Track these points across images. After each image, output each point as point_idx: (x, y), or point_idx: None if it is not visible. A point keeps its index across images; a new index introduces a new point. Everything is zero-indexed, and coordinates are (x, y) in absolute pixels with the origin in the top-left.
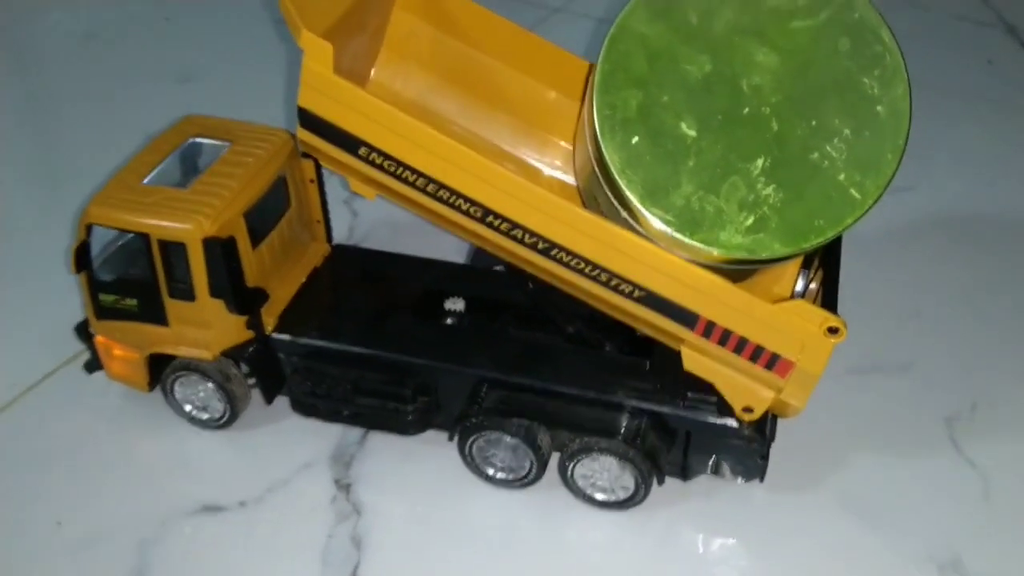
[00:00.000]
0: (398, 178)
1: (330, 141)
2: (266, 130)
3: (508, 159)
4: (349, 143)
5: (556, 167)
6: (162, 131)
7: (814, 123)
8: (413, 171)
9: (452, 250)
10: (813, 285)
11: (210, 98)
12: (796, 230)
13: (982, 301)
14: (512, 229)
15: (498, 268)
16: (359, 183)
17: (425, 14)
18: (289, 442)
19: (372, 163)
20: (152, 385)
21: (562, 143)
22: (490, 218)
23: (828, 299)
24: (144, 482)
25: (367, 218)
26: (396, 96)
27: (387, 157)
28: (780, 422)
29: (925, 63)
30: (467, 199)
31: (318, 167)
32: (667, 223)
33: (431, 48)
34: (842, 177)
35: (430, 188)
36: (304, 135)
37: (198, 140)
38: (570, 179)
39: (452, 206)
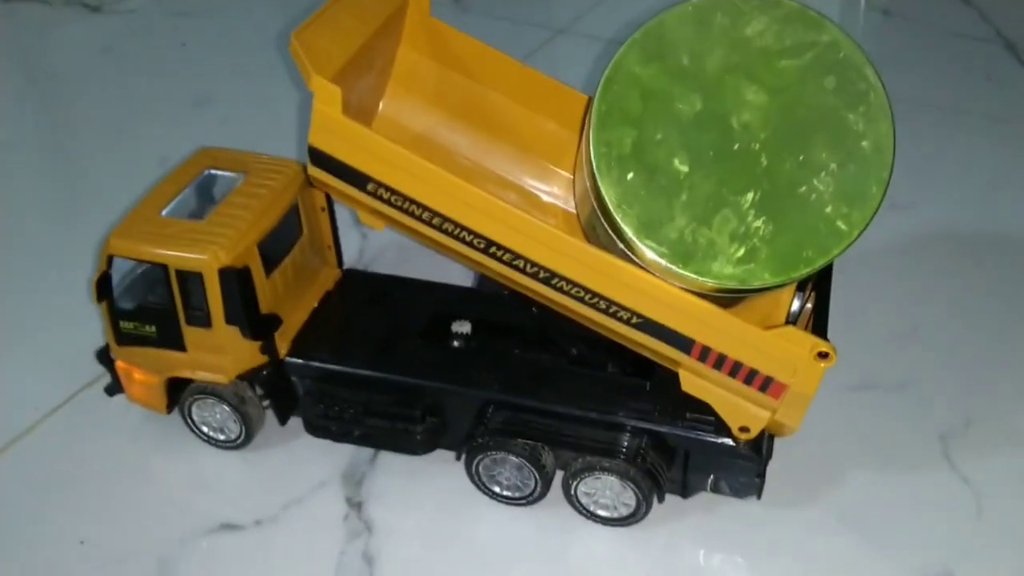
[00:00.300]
0: (405, 212)
1: (340, 177)
2: (278, 161)
3: (511, 188)
4: (358, 179)
5: (557, 196)
6: (177, 157)
7: (802, 158)
8: (419, 205)
9: (459, 272)
10: (809, 305)
11: (224, 122)
12: (785, 260)
13: (978, 318)
14: (514, 259)
15: (504, 293)
16: (368, 215)
17: (429, 51)
18: (302, 462)
19: (380, 198)
20: (170, 408)
21: (563, 172)
22: (493, 249)
23: (819, 324)
24: (163, 501)
25: (377, 241)
26: (403, 129)
27: (394, 192)
28: (778, 439)
29: (924, 79)
30: (471, 231)
31: (328, 196)
32: (661, 255)
33: (436, 83)
34: (829, 209)
35: (435, 221)
36: (315, 172)
37: (213, 172)
38: (572, 207)
39: (456, 238)
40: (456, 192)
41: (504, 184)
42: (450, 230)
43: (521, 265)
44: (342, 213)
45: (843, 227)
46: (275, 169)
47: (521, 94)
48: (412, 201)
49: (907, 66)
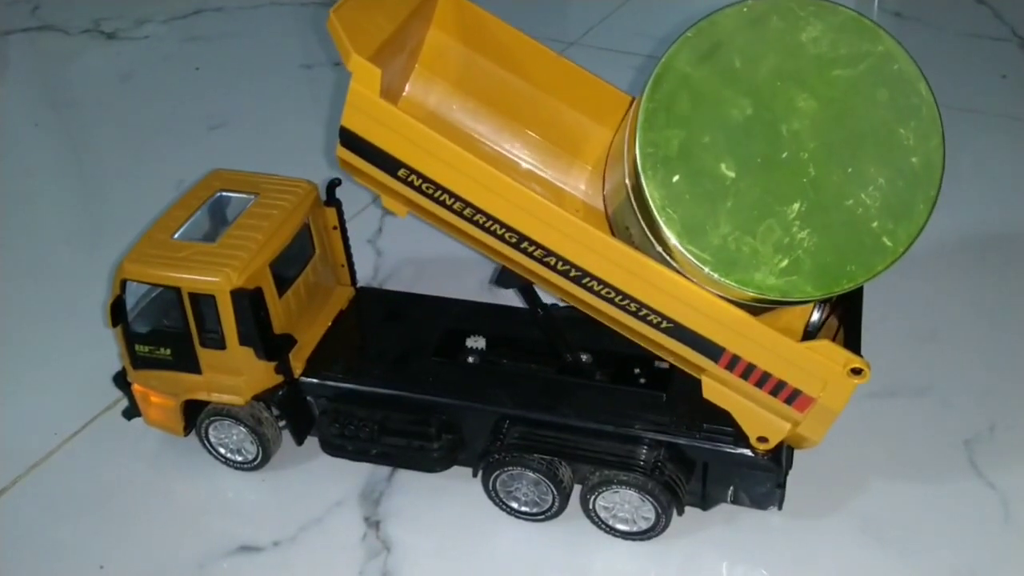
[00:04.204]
0: (436, 200)
1: (370, 161)
2: (289, 182)
3: (531, 178)
4: (389, 164)
5: (579, 189)
6: (193, 180)
7: (850, 170)
8: (452, 195)
9: (474, 288)
10: (827, 316)
11: (239, 145)
12: (828, 274)
13: (1000, 320)
14: (546, 256)
15: (517, 305)
16: (391, 200)
17: (458, 34)
18: (320, 481)
19: (410, 184)
20: (187, 430)
21: (587, 166)
22: (525, 244)
23: (852, 338)
24: (182, 524)
25: (391, 258)
26: (426, 113)
27: (426, 180)
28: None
29: (939, 81)
30: (504, 225)
31: (340, 214)
32: (703, 262)
33: (462, 67)
34: (875, 224)
35: (467, 212)
36: (344, 153)
37: (225, 194)
38: (592, 201)
39: (487, 230)
40: (495, 185)
41: (523, 173)
42: (481, 222)
43: (552, 262)
44: (356, 229)
45: (888, 243)
46: (286, 189)
47: (549, 83)
48: (446, 191)
49: (922, 68)
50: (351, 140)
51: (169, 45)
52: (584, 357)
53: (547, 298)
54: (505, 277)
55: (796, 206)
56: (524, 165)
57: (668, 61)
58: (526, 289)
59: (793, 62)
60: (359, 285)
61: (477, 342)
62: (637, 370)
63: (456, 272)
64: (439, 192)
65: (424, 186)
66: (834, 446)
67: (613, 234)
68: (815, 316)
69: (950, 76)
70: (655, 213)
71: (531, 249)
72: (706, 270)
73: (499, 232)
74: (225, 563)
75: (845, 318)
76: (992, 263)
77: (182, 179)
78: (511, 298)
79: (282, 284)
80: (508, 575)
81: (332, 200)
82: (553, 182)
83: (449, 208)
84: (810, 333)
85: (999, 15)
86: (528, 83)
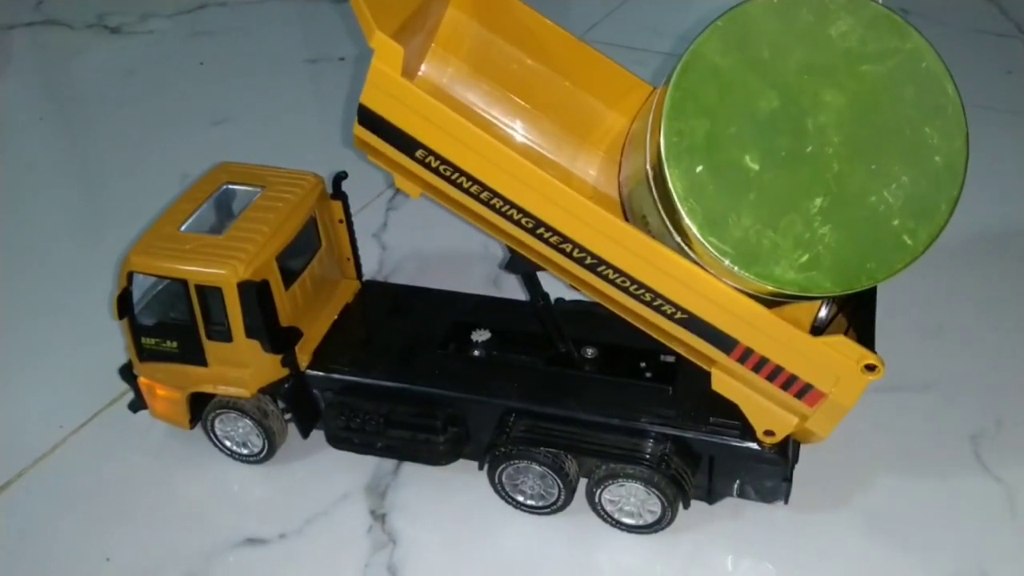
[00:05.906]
0: (452, 183)
1: (388, 141)
2: (296, 174)
3: (544, 162)
4: (407, 145)
5: (589, 175)
6: (198, 174)
7: (874, 167)
8: (470, 178)
9: (479, 282)
10: (835, 315)
11: (243, 140)
12: (848, 271)
13: (1005, 316)
14: (562, 243)
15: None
16: (405, 180)
17: (476, 13)
18: (326, 474)
19: (427, 166)
20: (193, 423)
21: (599, 151)
22: (541, 230)
23: (866, 335)
24: (189, 517)
25: (395, 252)
26: (439, 92)
27: (445, 162)
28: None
29: None
30: (521, 210)
31: (346, 208)
32: (724, 254)
33: (477, 47)
34: (896, 223)
35: (484, 195)
36: (361, 132)
37: (231, 187)
38: (602, 187)
39: (503, 214)
40: (515, 170)
41: (534, 156)
42: (498, 206)
43: (568, 249)
44: (359, 225)
45: (908, 242)
46: (292, 182)
47: (565, 66)
48: (464, 173)
49: None
50: (369, 118)
51: (173, 40)
52: (590, 351)
53: (559, 287)
54: (514, 262)
55: (819, 201)
56: (535, 148)
57: (697, 49)
58: (529, 277)
59: (821, 56)
60: (365, 279)
61: (482, 335)
62: (643, 364)
63: (461, 266)
64: (457, 175)
65: (442, 168)
66: (840, 441)
67: (627, 221)
68: (823, 312)
69: (955, 72)
70: (677, 203)
71: (547, 235)
72: (726, 262)
73: (516, 217)
74: (231, 556)
75: (855, 315)
76: (997, 258)
77: (186, 173)
78: (516, 291)
79: (288, 277)
80: (513, 568)
81: (338, 193)
82: (563, 166)
83: (466, 191)
84: (817, 329)
85: (1005, 11)
86: (543, 65)
